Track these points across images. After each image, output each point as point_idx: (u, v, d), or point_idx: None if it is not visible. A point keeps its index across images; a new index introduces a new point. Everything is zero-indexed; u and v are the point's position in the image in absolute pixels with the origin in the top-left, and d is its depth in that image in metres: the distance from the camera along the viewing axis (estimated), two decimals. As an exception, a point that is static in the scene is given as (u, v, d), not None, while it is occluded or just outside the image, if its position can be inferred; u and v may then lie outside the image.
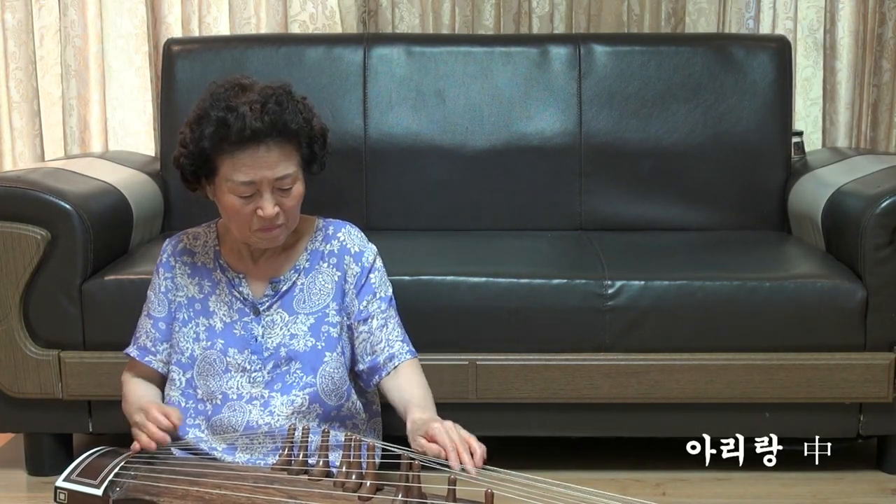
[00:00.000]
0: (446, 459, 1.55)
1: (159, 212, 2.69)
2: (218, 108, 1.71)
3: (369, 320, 1.85)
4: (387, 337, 1.85)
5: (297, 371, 1.83)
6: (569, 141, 2.73)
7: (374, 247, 1.92)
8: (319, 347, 1.84)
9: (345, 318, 1.87)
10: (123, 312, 2.12)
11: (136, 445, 1.71)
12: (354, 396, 1.89)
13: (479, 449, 1.57)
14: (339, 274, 1.87)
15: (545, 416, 2.24)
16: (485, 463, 1.57)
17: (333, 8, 3.11)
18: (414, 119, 2.74)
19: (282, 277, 1.86)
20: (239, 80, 1.77)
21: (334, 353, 1.84)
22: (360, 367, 1.87)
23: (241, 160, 1.71)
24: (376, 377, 1.85)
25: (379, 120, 2.74)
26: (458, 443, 1.57)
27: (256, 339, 1.84)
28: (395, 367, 1.84)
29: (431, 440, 1.59)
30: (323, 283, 1.86)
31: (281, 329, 1.84)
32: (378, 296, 1.87)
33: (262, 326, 1.84)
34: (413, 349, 1.88)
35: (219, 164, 1.73)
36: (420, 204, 2.73)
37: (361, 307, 1.86)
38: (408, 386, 1.81)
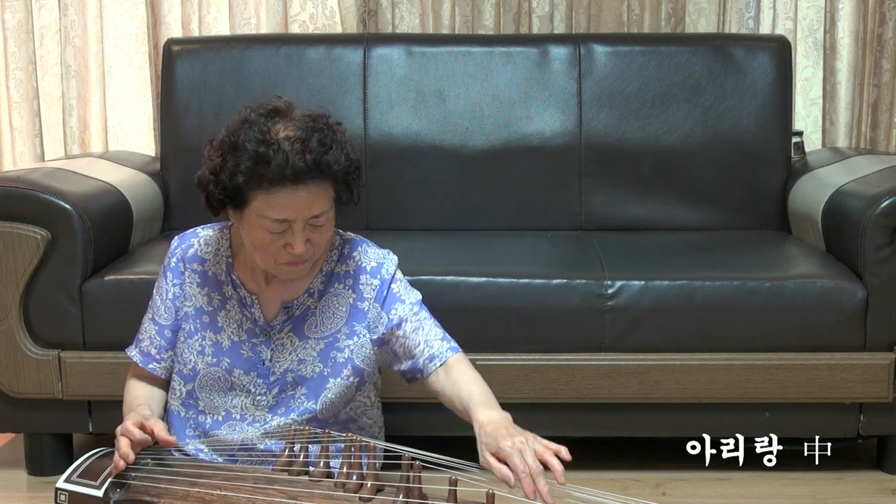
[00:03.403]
0: (514, 485, 1.48)
1: (159, 212, 2.69)
2: (255, 140, 1.60)
3: (403, 325, 1.78)
4: (424, 338, 1.77)
5: (302, 397, 1.80)
6: (569, 141, 2.73)
7: (394, 258, 1.84)
8: (325, 374, 1.80)
9: (365, 336, 1.80)
10: (123, 312, 2.12)
11: (113, 470, 1.65)
12: (355, 404, 1.86)
13: (559, 466, 1.48)
14: (353, 296, 1.80)
15: (545, 416, 2.23)
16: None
17: (333, 8, 3.11)
18: (414, 119, 2.74)
19: (294, 302, 1.79)
20: (274, 105, 1.66)
21: (338, 379, 1.80)
22: (402, 367, 1.80)
23: (278, 198, 1.61)
24: (420, 375, 1.78)
25: (379, 120, 2.74)
26: (532, 467, 1.48)
27: (264, 363, 1.79)
28: (442, 365, 1.75)
29: (503, 461, 1.51)
30: (337, 306, 1.80)
31: (290, 354, 1.79)
32: (407, 301, 1.80)
33: (271, 350, 1.79)
34: (456, 346, 1.79)
35: (252, 198, 1.63)
36: (420, 204, 2.73)
37: (391, 316, 1.79)
38: (462, 383, 1.72)
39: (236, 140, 1.62)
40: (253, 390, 1.80)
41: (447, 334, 1.80)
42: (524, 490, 1.47)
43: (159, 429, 1.67)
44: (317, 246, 1.70)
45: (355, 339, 1.80)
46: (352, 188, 1.71)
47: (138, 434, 1.65)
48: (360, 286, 1.80)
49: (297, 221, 1.64)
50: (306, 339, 1.80)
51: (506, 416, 1.61)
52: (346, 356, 1.80)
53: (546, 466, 1.50)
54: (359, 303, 1.80)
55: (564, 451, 1.51)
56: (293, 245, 1.65)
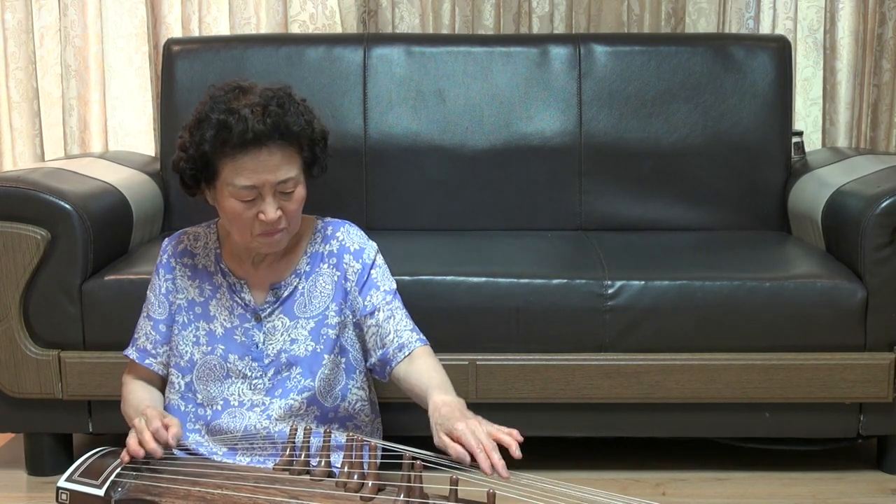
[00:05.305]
0: (471, 464, 1.50)
1: (159, 212, 2.69)
2: (218, 110, 1.69)
3: (375, 313, 1.84)
4: (395, 327, 1.83)
5: (298, 376, 1.83)
6: (569, 141, 2.73)
7: (374, 244, 1.90)
8: (318, 351, 1.83)
9: (349, 317, 1.86)
10: (123, 312, 2.12)
11: (125, 456, 1.66)
12: (352, 397, 1.88)
13: (514, 442, 1.51)
14: (338, 274, 1.85)
15: (545, 416, 2.24)
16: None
17: (333, 8, 3.11)
18: (414, 119, 2.74)
19: (282, 283, 1.84)
20: (238, 83, 1.75)
21: (331, 355, 1.84)
22: (372, 359, 1.85)
23: (243, 164, 1.69)
24: (388, 367, 1.82)
25: (379, 120, 2.74)
26: (486, 444, 1.51)
27: (257, 346, 1.83)
28: (408, 355, 1.80)
29: (457, 441, 1.54)
30: (323, 284, 1.85)
31: (282, 335, 1.83)
32: (381, 289, 1.85)
33: (264, 333, 1.83)
34: (423, 337, 1.84)
35: (220, 167, 1.71)
36: (420, 204, 2.74)
37: (366, 302, 1.84)
38: (424, 370, 1.77)
39: (201, 115, 1.71)
40: (249, 374, 1.83)
41: (416, 327, 1.86)
42: (481, 465, 1.50)
43: (173, 433, 1.67)
44: (290, 215, 1.76)
45: (342, 317, 1.85)
46: (318, 156, 1.79)
47: (159, 426, 1.65)
48: (345, 265, 1.86)
49: (265, 187, 1.70)
50: (297, 320, 1.84)
51: (460, 401, 1.66)
52: (336, 333, 1.84)
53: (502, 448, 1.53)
54: (343, 281, 1.85)
55: (516, 433, 1.54)
56: (265, 212, 1.71)
